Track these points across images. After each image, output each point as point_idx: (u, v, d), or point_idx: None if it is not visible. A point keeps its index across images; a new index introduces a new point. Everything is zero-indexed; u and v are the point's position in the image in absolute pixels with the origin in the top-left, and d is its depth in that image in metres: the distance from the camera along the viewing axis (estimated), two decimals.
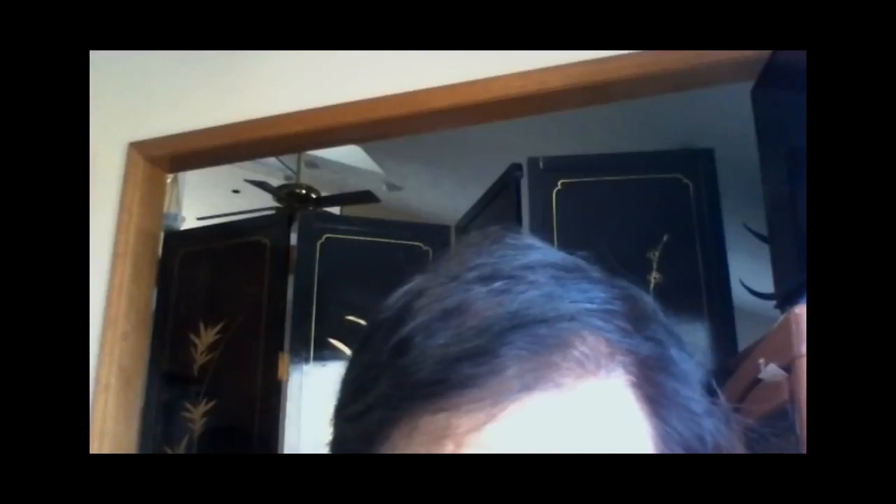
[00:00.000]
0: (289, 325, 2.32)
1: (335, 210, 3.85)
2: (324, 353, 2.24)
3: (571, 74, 1.77)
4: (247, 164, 3.78)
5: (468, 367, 0.35)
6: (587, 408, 0.36)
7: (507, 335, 0.36)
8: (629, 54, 1.71)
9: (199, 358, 2.36)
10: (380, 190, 3.98)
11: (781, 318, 1.19)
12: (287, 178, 4.13)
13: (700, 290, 1.91)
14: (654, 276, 1.92)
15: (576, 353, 0.37)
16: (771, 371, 1.14)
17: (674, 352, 0.40)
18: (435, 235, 2.44)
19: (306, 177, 3.93)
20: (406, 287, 0.40)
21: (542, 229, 2.00)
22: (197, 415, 2.32)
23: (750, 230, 1.94)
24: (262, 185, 3.61)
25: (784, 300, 1.35)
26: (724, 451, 0.41)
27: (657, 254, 1.94)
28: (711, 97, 1.99)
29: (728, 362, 1.71)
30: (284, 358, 2.27)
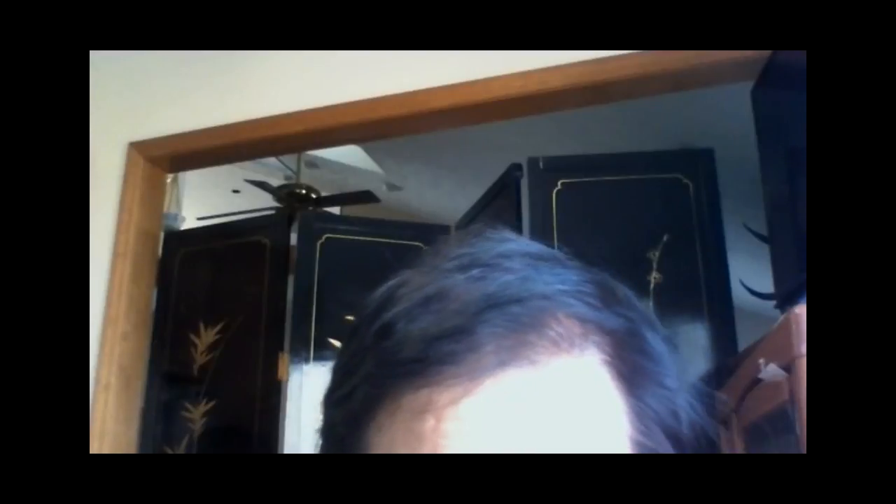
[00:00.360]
0: (289, 325, 2.32)
1: (335, 210, 3.85)
2: (324, 353, 2.24)
3: (571, 74, 1.77)
4: (247, 164, 3.79)
5: (447, 344, 0.37)
6: (561, 383, 0.38)
7: (484, 314, 0.37)
8: (629, 54, 1.71)
9: (199, 358, 2.36)
10: (380, 190, 3.98)
11: (781, 318, 1.19)
12: (287, 178, 4.13)
13: (700, 290, 1.91)
14: (654, 276, 1.92)
15: (550, 332, 0.38)
16: (771, 371, 1.14)
17: (647, 332, 0.42)
18: (435, 235, 2.44)
19: (306, 177, 3.93)
20: (391, 281, 0.42)
21: (542, 229, 2.00)
22: (197, 415, 2.32)
23: (750, 230, 1.94)
24: (262, 185, 3.61)
25: (784, 300, 1.35)
26: (699, 426, 0.42)
27: (657, 254, 1.94)
28: (711, 97, 1.99)
29: (728, 362, 1.70)
30: (284, 358, 2.27)
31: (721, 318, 1.89)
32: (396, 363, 0.38)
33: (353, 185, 4.04)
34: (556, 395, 0.38)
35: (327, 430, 0.43)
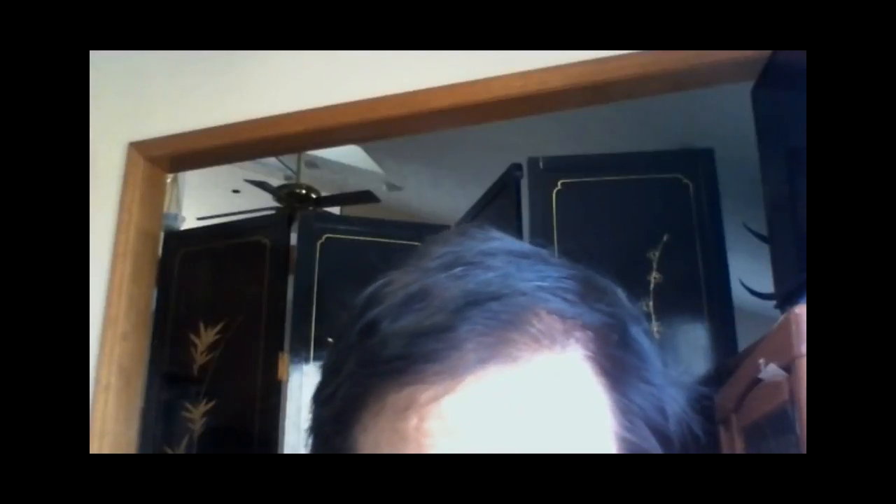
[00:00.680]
0: (289, 325, 2.32)
1: (335, 210, 3.85)
2: (324, 353, 2.24)
3: (571, 74, 1.77)
4: (247, 164, 3.79)
5: (428, 342, 0.37)
6: (542, 380, 0.38)
7: (465, 311, 0.38)
8: (629, 54, 1.71)
9: (199, 358, 2.36)
10: (380, 190, 3.98)
11: (781, 318, 1.19)
12: (287, 178, 4.13)
13: (700, 290, 1.91)
14: (654, 276, 1.92)
15: (531, 329, 0.38)
16: (771, 371, 1.14)
17: (631, 328, 0.41)
18: (430, 236, 2.43)
19: (306, 177, 3.93)
20: (378, 281, 0.42)
21: (542, 229, 2.00)
22: (197, 415, 2.32)
23: (750, 230, 1.94)
24: (262, 185, 3.61)
25: (784, 300, 1.35)
26: (684, 423, 0.42)
27: (657, 254, 1.94)
28: (711, 97, 1.99)
29: (728, 362, 1.71)
30: (284, 358, 2.27)
31: (721, 318, 1.89)
32: (379, 361, 0.38)
33: (353, 185, 4.04)
34: (538, 391, 0.38)
35: (316, 429, 0.43)
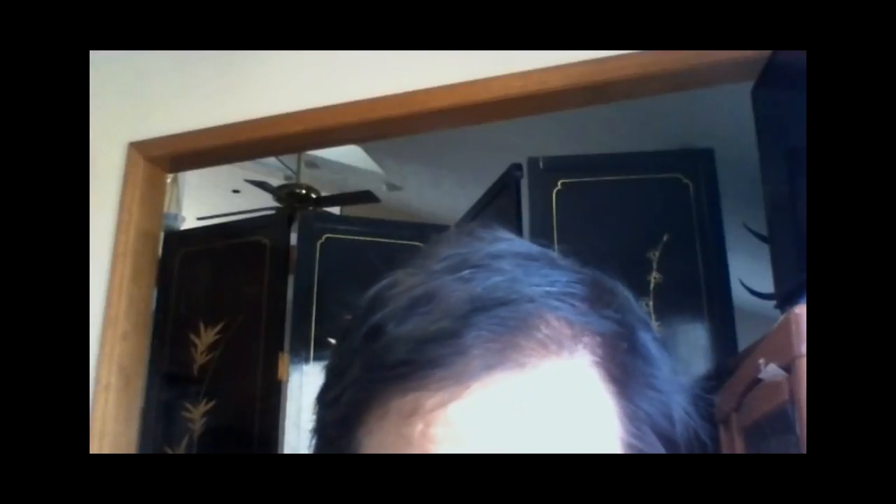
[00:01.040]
0: (289, 325, 2.32)
1: (335, 210, 3.85)
2: (324, 353, 2.24)
3: (571, 74, 1.77)
4: (247, 164, 3.79)
5: (434, 348, 0.37)
6: (550, 386, 0.37)
7: (471, 317, 0.37)
8: (629, 54, 1.71)
9: (199, 358, 2.36)
10: (380, 190, 3.98)
11: (781, 318, 1.19)
12: (287, 178, 4.13)
13: (700, 290, 1.91)
14: (654, 276, 1.92)
15: (539, 335, 0.38)
16: (771, 371, 1.14)
17: (641, 333, 0.41)
18: (435, 235, 2.43)
19: (306, 177, 3.93)
20: (382, 281, 0.42)
21: (542, 229, 2.00)
22: (197, 415, 2.32)
23: (750, 230, 1.94)
24: (262, 185, 3.61)
25: (784, 300, 1.34)
26: (692, 429, 0.42)
27: (657, 254, 1.94)
28: (711, 97, 1.99)
29: (728, 362, 1.70)
30: (284, 358, 2.27)
31: (721, 318, 1.89)
32: (384, 366, 0.38)
33: (353, 185, 4.04)
34: (545, 397, 0.37)
35: (320, 431, 0.43)
